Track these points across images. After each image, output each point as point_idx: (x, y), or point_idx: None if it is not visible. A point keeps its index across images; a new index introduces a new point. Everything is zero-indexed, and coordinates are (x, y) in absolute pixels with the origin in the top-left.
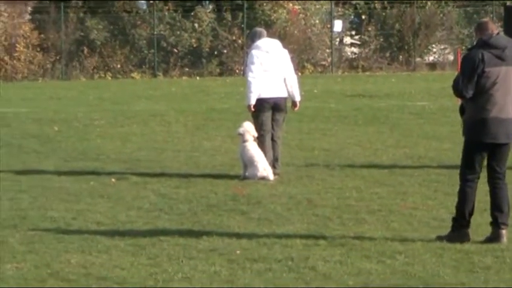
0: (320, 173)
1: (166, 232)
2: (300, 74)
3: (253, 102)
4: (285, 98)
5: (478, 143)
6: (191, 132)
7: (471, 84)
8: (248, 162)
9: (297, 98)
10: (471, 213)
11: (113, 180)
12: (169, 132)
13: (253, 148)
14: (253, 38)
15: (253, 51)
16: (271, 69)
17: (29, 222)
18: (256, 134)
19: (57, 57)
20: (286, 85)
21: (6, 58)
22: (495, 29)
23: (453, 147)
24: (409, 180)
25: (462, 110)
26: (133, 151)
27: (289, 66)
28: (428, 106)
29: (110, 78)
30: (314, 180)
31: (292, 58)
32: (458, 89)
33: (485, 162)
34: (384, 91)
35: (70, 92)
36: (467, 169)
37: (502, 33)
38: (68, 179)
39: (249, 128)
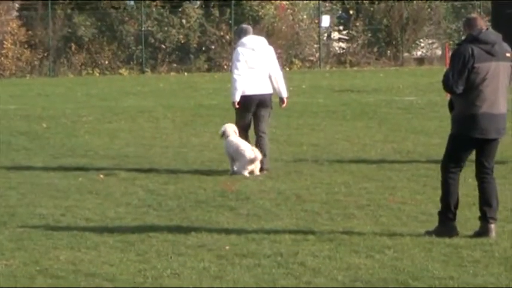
0: (309, 168)
1: (155, 228)
2: (288, 69)
3: (237, 99)
4: (270, 95)
5: (467, 138)
6: (179, 128)
7: (461, 79)
8: (234, 154)
9: (284, 94)
10: (456, 206)
11: (102, 176)
12: (158, 128)
13: (236, 140)
14: (239, 34)
15: (239, 49)
16: (256, 67)
17: (17, 219)
18: (237, 130)
19: (45, 54)
20: (272, 82)
21: None
22: (484, 24)
23: (442, 142)
24: (397, 175)
25: (451, 105)
26: (121, 147)
27: (275, 63)
28: (416, 101)
29: (97, 74)
30: (303, 175)
31: (280, 54)
32: (448, 84)
33: (473, 157)
34: (372, 86)
35: (58, 89)
36: (451, 162)
37: (490, 29)
38: (56, 176)
39: (229, 127)
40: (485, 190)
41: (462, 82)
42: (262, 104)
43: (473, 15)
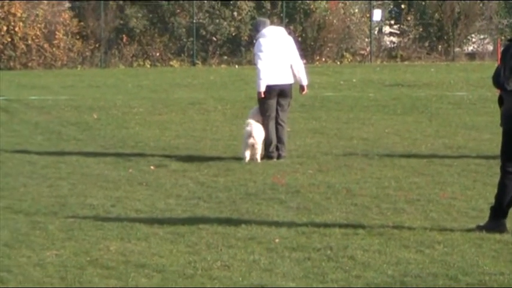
0: (359, 162)
1: (205, 220)
2: (338, 63)
3: (263, 89)
4: (291, 84)
5: None
6: (230, 120)
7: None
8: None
9: (304, 82)
10: (510, 205)
11: (152, 167)
12: (208, 120)
13: (256, 129)
14: (257, 27)
15: (260, 40)
16: (277, 57)
17: (68, 209)
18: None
19: (96, 45)
20: (293, 71)
21: (46, 45)
22: None
23: (492, 138)
24: (448, 170)
25: (501, 101)
26: (171, 139)
27: (295, 53)
28: (467, 96)
29: (148, 66)
30: (353, 169)
31: (331, 47)
32: (499, 81)
33: None
34: (422, 81)
35: (109, 80)
36: (507, 161)
37: None
38: (106, 167)
39: (254, 118)
40: None
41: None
42: (283, 94)
43: None
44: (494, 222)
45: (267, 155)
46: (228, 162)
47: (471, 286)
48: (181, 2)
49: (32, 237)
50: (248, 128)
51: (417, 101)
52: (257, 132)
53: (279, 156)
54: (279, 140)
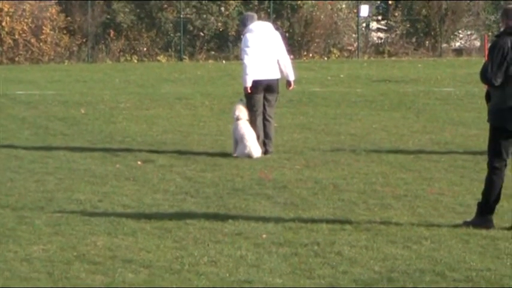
0: (346, 158)
1: (192, 215)
2: (326, 58)
3: (249, 84)
4: (278, 80)
5: (503, 130)
6: (217, 115)
7: (500, 72)
8: (239, 140)
9: (291, 78)
10: (497, 201)
11: (139, 163)
12: (195, 115)
13: (245, 127)
14: (245, 22)
15: (247, 35)
16: (264, 52)
17: (55, 204)
18: (247, 117)
19: (84, 40)
20: (279, 66)
21: (33, 40)
22: None
23: (479, 133)
24: (435, 165)
25: (488, 97)
26: (159, 134)
27: (282, 48)
28: (454, 92)
29: (136, 61)
30: (340, 165)
31: (318, 43)
32: (486, 76)
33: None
34: (410, 76)
35: (96, 75)
36: (494, 157)
37: None
38: (94, 162)
39: (242, 110)
40: None
41: (500, 75)
42: (269, 89)
43: (511, 6)
44: (481, 218)
45: None
46: (215, 158)
47: (458, 282)
48: None
49: (19, 232)
50: (251, 139)
51: (404, 96)
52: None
53: (266, 152)
54: (266, 135)
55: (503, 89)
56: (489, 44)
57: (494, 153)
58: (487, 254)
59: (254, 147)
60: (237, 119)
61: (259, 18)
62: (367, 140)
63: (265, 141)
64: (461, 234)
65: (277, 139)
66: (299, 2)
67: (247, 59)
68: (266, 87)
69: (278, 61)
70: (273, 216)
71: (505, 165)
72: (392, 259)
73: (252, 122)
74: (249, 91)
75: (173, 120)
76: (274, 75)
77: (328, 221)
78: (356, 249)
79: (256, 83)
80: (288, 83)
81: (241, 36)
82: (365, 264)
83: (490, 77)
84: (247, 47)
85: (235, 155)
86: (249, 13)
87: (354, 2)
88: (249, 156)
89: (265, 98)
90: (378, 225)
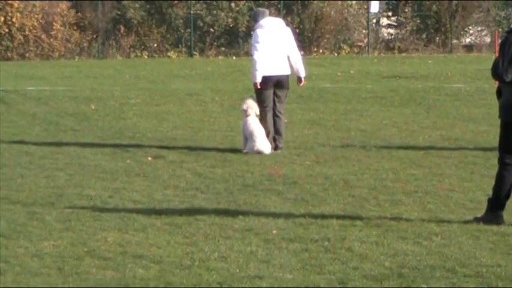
0: (356, 154)
1: (203, 211)
2: (336, 54)
3: (259, 80)
4: (288, 76)
5: None
6: (227, 111)
7: (511, 68)
8: (248, 136)
9: (302, 74)
10: (507, 197)
11: (149, 158)
12: (206, 111)
13: (254, 123)
14: (256, 17)
15: (258, 31)
16: (275, 48)
17: (65, 200)
18: (258, 111)
19: (94, 36)
20: (290, 62)
21: (43, 36)
22: None
23: (490, 130)
24: (445, 162)
25: (499, 93)
26: (169, 130)
27: (293, 44)
28: (464, 88)
29: (146, 57)
30: (350, 161)
31: (328, 39)
32: (498, 72)
33: None
34: (420, 73)
35: (106, 71)
36: (505, 152)
37: None
38: (104, 157)
39: (251, 105)
40: None
41: (511, 70)
42: (279, 85)
43: None
44: (492, 214)
45: None
46: (225, 154)
47: (468, 277)
48: None
49: (30, 228)
50: (260, 135)
51: (415, 92)
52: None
53: (276, 148)
54: (277, 131)
55: None
56: (499, 40)
57: (505, 149)
58: (498, 250)
59: (263, 144)
60: (246, 114)
61: (270, 14)
62: (378, 136)
63: (275, 137)
64: (472, 230)
65: (287, 135)
66: None
67: (257, 55)
68: (276, 83)
69: (289, 57)
70: (283, 212)
71: None
72: (403, 255)
73: (262, 117)
74: (259, 87)
75: (183, 116)
76: (285, 71)
77: (338, 217)
78: (366, 245)
79: (266, 79)
80: (299, 79)
81: (252, 32)
82: (375, 260)
83: (501, 73)
84: (258, 42)
85: (245, 151)
86: (260, 9)
87: None
88: (259, 152)
89: (275, 94)
90: (388, 221)
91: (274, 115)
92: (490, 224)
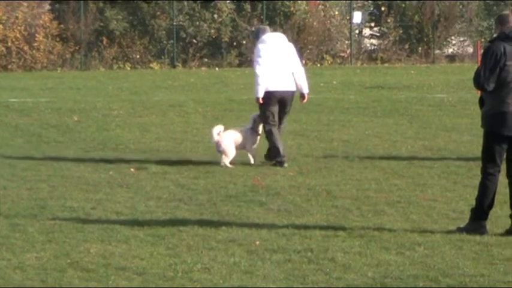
0: (339, 164)
1: (186, 222)
2: (319, 65)
3: (261, 94)
4: (293, 92)
5: (496, 135)
6: (210, 122)
7: (493, 77)
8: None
9: (305, 90)
10: (490, 207)
11: (132, 170)
12: (188, 122)
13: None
14: (257, 34)
15: (260, 45)
16: (278, 63)
17: (48, 211)
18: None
19: (77, 48)
20: (294, 78)
21: (26, 48)
22: None
23: (472, 140)
24: (428, 172)
25: (482, 102)
26: (152, 141)
27: (296, 59)
28: (447, 98)
29: (129, 68)
30: (333, 171)
31: (311, 49)
32: (479, 82)
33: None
34: (403, 83)
35: (89, 82)
36: (488, 162)
37: None
38: (87, 169)
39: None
40: None
41: (493, 80)
42: (284, 101)
43: (506, 12)
44: (475, 224)
45: (278, 162)
46: (208, 165)
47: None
48: (161, 4)
49: (12, 240)
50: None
51: (397, 103)
52: (226, 140)
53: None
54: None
55: (496, 94)
56: (482, 50)
57: (488, 159)
58: (481, 260)
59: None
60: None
61: (252, 25)
62: (360, 147)
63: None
64: (455, 240)
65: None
66: (292, 8)
67: (259, 69)
68: (280, 100)
69: (292, 73)
70: (267, 222)
71: (499, 170)
72: (386, 265)
73: (269, 134)
74: (261, 102)
75: (166, 128)
76: (289, 86)
77: (321, 228)
78: (349, 255)
79: (270, 94)
80: (302, 96)
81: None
82: (358, 271)
83: (483, 82)
84: (259, 57)
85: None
86: (261, 26)
87: (347, 8)
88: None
89: (279, 113)
90: (371, 232)
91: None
92: (473, 234)
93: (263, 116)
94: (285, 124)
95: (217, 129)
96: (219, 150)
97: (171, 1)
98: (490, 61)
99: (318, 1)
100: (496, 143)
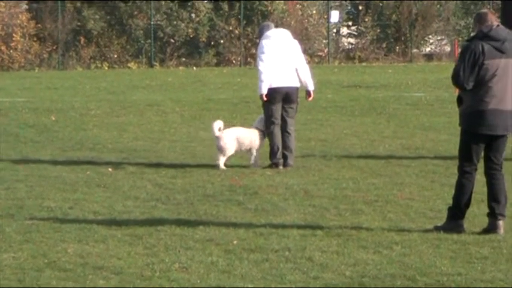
0: (317, 163)
1: (163, 222)
2: None
3: (264, 91)
4: (297, 88)
5: (475, 134)
6: (188, 122)
7: (472, 76)
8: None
9: (311, 88)
10: (467, 205)
11: (110, 169)
12: (166, 122)
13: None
14: (262, 30)
15: (263, 41)
16: (282, 59)
17: (25, 211)
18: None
19: (54, 47)
20: (298, 75)
21: (3, 48)
22: (495, 20)
23: (450, 138)
24: (405, 171)
25: (460, 101)
26: (129, 141)
27: (301, 56)
28: (425, 97)
29: (106, 68)
30: (311, 170)
31: None
32: (459, 80)
33: (482, 154)
34: (380, 82)
35: (67, 82)
36: (465, 161)
37: (501, 26)
38: (64, 169)
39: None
40: (493, 186)
41: (472, 78)
42: (288, 98)
43: (484, 10)
44: (452, 223)
45: (273, 163)
46: (185, 164)
47: (429, 286)
48: (138, 3)
49: None
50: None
51: (375, 102)
52: (227, 138)
53: (286, 165)
54: (287, 148)
55: (474, 92)
56: (459, 49)
57: (465, 157)
58: (458, 258)
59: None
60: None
61: (230, 24)
62: (338, 146)
63: (285, 154)
64: (432, 239)
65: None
66: (269, 8)
67: (262, 65)
68: (285, 96)
69: (296, 70)
70: (244, 222)
71: (475, 169)
72: (363, 264)
73: (270, 133)
74: (265, 98)
75: (144, 127)
76: (293, 83)
77: (299, 227)
78: (327, 254)
79: (273, 91)
80: (308, 93)
81: (257, 43)
82: (336, 270)
83: (462, 81)
84: (263, 53)
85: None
86: (266, 23)
87: (324, 7)
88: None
89: (283, 109)
90: (348, 231)
91: (285, 131)
92: (450, 232)
93: (266, 114)
94: (293, 129)
95: (218, 124)
96: (217, 146)
97: (149, 1)
98: (468, 60)
99: (296, 0)
100: (474, 142)
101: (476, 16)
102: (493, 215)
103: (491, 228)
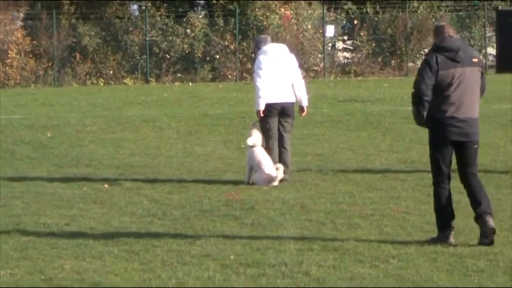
0: (313, 178)
1: (160, 237)
2: None
3: (262, 107)
4: (293, 103)
5: (437, 142)
6: (184, 137)
7: (430, 87)
8: (255, 167)
9: (305, 103)
10: (451, 215)
11: (106, 186)
12: (162, 137)
13: (261, 153)
14: (258, 44)
15: (261, 57)
16: (279, 75)
17: (22, 228)
18: (261, 141)
19: (50, 64)
20: (294, 90)
21: None
22: (452, 32)
23: None
24: (402, 184)
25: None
26: (126, 157)
27: (297, 71)
28: None
29: (102, 84)
30: (307, 185)
31: None
32: (419, 94)
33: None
34: (376, 96)
35: (62, 98)
36: (435, 170)
37: (455, 36)
38: (60, 185)
39: (257, 136)
40: (471, 190)
41: (430, 89)
42: (284, 113)
43: (442, 23)
44: (440, 235)
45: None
46: (182, 180)
47: None
48: (134, 19)
49: None
50: (268, 161)
51: (371, 116)
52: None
53: (282, 179)
54: (284, 163)
55: (432, 101)
56: None
57: (434, 167)
58: (455, 271)
59: (273, 172)
60: (253, 146)
61: (225, 40)
62: (334, 160)
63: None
64: (429, 252)
65: (242, 160)
66: (265, 22)
67: (259, 82)
68: (281, 111)
69: (292, 85)
70: (241, 237)
71: (448, 177)
72: (360, 278)
73: (268, 147)
74: (262, 115)
75: (140, 143)
76: (289, 98)
77: (295, 241)
78: (324, 269)
79: (270, 107)
80: (301, 109)
81: (254, 58)
82: (333, 284)
83: (421, 94)
84: (260, 69)
85: (251, 182)
86: (262, 36)
87: (320, 22)
88: (270, 181)
89: (280, 124)
90: (345, 245)
91: (281, 146)
92: (442, 244)
93: (263, 129)
94: (289, 143)
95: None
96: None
97: (144, 16)
98: (426, 73)
99: (291, 15)
100: (438, 150)
101: (434, 29)
102: (480, 216)
103: (483, 229)
